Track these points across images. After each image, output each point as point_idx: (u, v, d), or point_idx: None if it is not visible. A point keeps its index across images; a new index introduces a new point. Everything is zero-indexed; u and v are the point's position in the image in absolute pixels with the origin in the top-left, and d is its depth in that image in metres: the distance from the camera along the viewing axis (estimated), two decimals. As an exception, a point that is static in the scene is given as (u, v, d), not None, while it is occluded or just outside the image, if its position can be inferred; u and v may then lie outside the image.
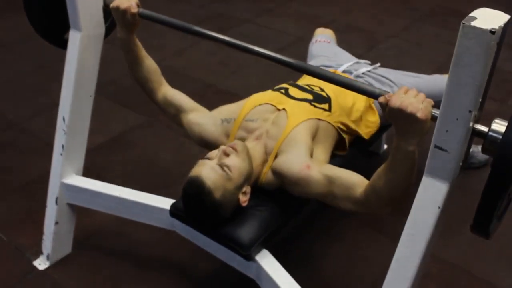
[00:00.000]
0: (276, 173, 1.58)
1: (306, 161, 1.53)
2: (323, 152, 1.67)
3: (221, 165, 1.49)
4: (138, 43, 1.77)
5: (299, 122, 1.63)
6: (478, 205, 1.07)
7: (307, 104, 1.71)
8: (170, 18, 1.64)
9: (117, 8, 1.66)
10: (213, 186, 1.47)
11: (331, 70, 2.02)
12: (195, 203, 1.50)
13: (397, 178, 1.28)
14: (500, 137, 1.06)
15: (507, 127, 1.03)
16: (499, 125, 1.08)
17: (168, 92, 1.81)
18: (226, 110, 1.76)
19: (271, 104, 1.71)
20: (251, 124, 1.67)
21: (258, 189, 1.62)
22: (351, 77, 1.99)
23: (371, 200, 1.38)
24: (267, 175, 1.61)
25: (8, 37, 3.81)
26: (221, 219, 1.55)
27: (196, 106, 1.79)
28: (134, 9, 1.66)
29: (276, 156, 1.60)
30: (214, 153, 1.56)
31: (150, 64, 1.79)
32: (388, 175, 1.31)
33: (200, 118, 1.74)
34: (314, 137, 1.65)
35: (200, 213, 1.52)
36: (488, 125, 1.10)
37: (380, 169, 1.34)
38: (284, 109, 1.68)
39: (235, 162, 1.51)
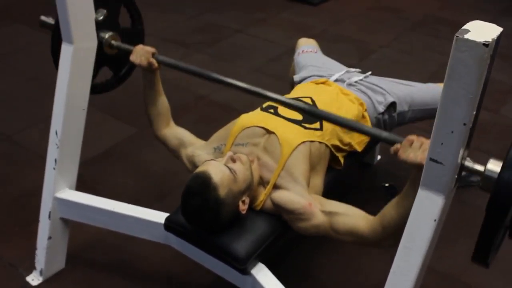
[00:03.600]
0: (277, 206, 1.59)
1: (308, 198, 1.55)
2: (317, 175, 1.70)
3: (228, 167, 1.51)
4: (160, 81, 1.86)
5: (293, 149, 1.62)
6: (477, 241, 1.12)
7: (297, 126, 1.71)
8: (187, 65, 1.75)
9: (135, 62, 1.80)
10: (219, 183, 1.47)
11: (323, 79, 2.02)
12: (198, 198, 1.47)
13: (410, 206, 1.28)
14: (496, 176, 1.10)
15: (502, 167, 1.08)
16: (494, 165, 1.13)
17: (173, 128, 1.89)
18: (217, 137, 1.79)
19: (260, 127, 1.70)
20: (241, 149, 1.67)
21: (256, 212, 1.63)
22: (344, 86, 1.99)
23: (377, 234, 1.44)
24: (265, 203, 1.61)
25: (0, 48, 3.79)
26: (219, 224, 1.53)
27: (195, 140, 1.83)
28: (151, 60, 1.78)
29: (274, 187, 1.61)
30: (218, 159, 1.58)
31: (164, 102, 1.89)
32: (400, 209, 1.37)
33: (196, 150, 1.78)
34: (309, 162, 1.65)
35: (201, 211, 1.48)
36: (484, 163, 1.14)
37: (391, 204, 1.41)
38: (274, 133, 1.67)
39: (241, 168, 1.54)
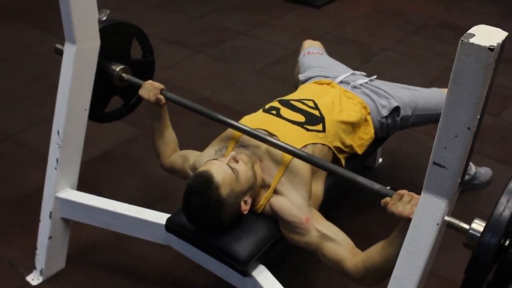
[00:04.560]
0: (274, 212, 1.58)
1: (307, 212, 1.55)
2: (320, 179, 1.70)
3: (230, 167, 1.51)
4: (167, 115, 1.88)
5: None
6: None
7: (299, 128, 1.71)
8: (193, 104, 1.79)
9: (143, 97, 1.82)
10: (221, 182, 1.46)
11: (328, 80, 2.02)
12: (199, 197, 1.46)
13: (394, 252, 1.31)
14: (478, 238, 1.12)
15: (484, 229, 1.10)
16: (477, 225, 1.15)
17: (178, 152, 1.90)
18: (218, 141, 1.78)
19: (262, 129, 1.69)
20: (243, 151, 1.66)
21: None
22: (348, 88, 1.99)
23: (359, 272, 1.46)
24: (265, 207, 1.61)
25: (2, 48, 3.79)
26: (221, 224, 1.52)
27: (198, 153, 1.82)
28: (159, 96, 1.80)
29: (274, 192, 1.60)
30: (221, 159, 1.58)
31: (172, 135, 1.91)
32: (384, 253, 1.39)
33: (197, 157, 1.77)
34: (310, 167, 1.63)
35: (202, 210, 1.47)
36: (469, 223, 1.16)
37: (376, 247, 1.43)
38: (276, 135, 1.66)
39: (243, 168, 1.53)
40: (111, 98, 2.03)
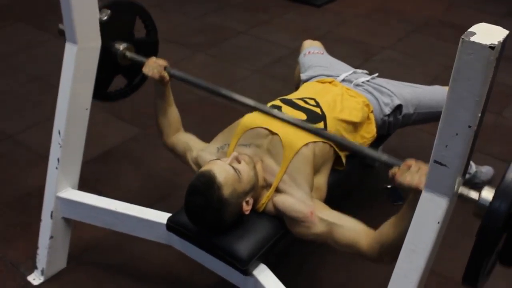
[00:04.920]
0: (278, 210, 1.59)
1: (310, 206, 1.55)
2: (322, 176, 1.70)
3: (233, 167, 1.51)
4: (171, 93, 1.88)
5: (295, 152, 1.62)
6: (467, 264, 1.14)
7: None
8: (197, 79, 1.79)
9: (147, 74, 1.82)
10: (223, 182, 1.47)
11: (330, 78, 2.02)
12: (201, 197, 1.46)
13: (406, 227, 1.29)
14: (487, 205, 1.12)
15: (494, 195, 1.10)
16: (487, 192, 1.15)
17: (181, 134, 1.90)
18: (220, 137, 1.79)
19: (264, 128, 1.70)
20: (244, 150, 1.66)
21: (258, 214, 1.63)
22: (351, 86, 1.99)
23: (375, 250, 1.44)
24: (267, 205, 1.61)
25: (2, 48, 3.79)
26: (222, 224, 1.52)
27: (201, 144, 1.83)
28: (162, 73, 1.80)
29: (276, 191, 1.60)
30: (223, 159, 1.58)
31: (175, 113, 1.91)
32: (396, 229, 1.37)
33: (200, 151, 1.78)
34: (312, 165, 1.64)
35: (204, 210, 1.48)
36: (479, 191, 1.16)
37: (388, 222, 1.42)
38: (277, 134, 1.67)
39: (245, 168, 1.54)
40: (114, 77, 2.02)
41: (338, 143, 1.58)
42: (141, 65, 1.86)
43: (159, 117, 1.90)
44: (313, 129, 1.60)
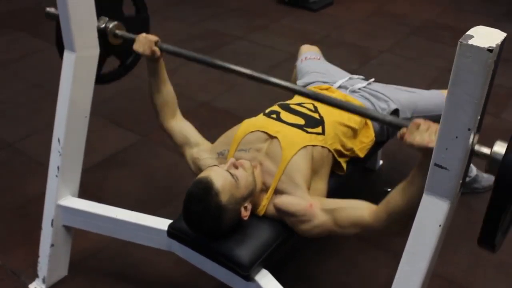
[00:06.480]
0: (279, 210, 1.59)
1: (309, 200, 1.56)
2: (321, 179, 1.70)
3: (230, 173, 1.51)
4: (164, 69, 1.85)
5: (294, 154, 1.62)
6: (484, 220, 1.10)
7: (299, 131, 1.71)
8: (189, 52, 1.73)
9: (138, 51, 1.78)
10: (221, 189, 1.47)
11: (326, 86, 2.03)
12: (199, 204, 1.46)
13: (416, 192, 1.28)
14: (501, 158, 1.09)
15: (507, 149, 1.07)
16: (500, 147, 1.11)
17: (179, 122, 1.87)
18: (220, 143, 1.79)
19: (263, 132, 1.70)
20: (244, 155, 1.67)
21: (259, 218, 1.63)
22: (347, 92, 2.00)
23: (382, 221, 1.42)
24: (268, 208, 1.62)
25: (2, 55, 3.80)
26: (221, 230, 1.53)
27: (201, 141, 1.82)
28: (153, 48, 1.77)
29: (275, 192, 1.61)
30: (221, 165, 1.58)
31: (170, 90, 1.87)
32: (405, 195, 1.35)
33: (200, 153, 1.78)
34: (310, 166, 1.64)
35: (202, 217, 1.48)
36: (491, 146, 1.12)
37: (396, 190, 1.40)
38: (276, 137, 1.67)
39: (243, 174, 1.54)
40: (106, 59, 1.94)
41: (356, 112, 1.49)
42: (132, 43, 1.82)
43: (153, 96, 1.86)
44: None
